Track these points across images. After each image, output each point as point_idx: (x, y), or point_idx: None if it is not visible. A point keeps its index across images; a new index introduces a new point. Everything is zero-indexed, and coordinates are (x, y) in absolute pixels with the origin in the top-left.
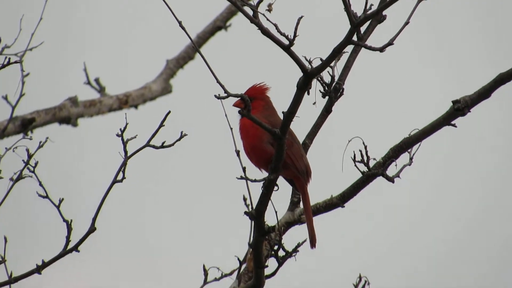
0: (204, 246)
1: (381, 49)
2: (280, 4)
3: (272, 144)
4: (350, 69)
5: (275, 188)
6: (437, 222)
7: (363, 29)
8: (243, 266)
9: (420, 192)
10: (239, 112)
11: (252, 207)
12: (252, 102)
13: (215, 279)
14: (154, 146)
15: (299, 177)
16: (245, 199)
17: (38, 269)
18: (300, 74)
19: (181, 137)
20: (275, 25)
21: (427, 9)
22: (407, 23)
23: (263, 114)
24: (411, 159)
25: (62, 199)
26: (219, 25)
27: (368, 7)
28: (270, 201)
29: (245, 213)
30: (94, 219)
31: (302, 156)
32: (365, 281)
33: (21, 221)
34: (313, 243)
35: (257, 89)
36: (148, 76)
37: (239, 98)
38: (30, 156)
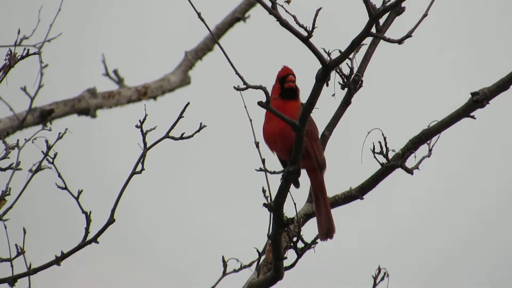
0: (223, 237)
1: (400, 41)
2: None
3: None
4: (369, 61)
5: (296, 182)
6: (456, 214)
7: (382, 21)
8: (262, 257)
9: (439, 184)
10: (258, 103)
11: (271, 199)
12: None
13: (234, 271)
14: (173, 138)
15: (316, 170)
16: (264, 191)
17: (57, 261)
18: (319, 66)
19: (200, 128)
20: (294, 17)
21: (445, 1)
22: (425, 15)
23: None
24: (430, 150)
25: (81, 190)
26: (238, 16)
27: None
28: (289, 193)
29: (264, 205)
30: (113, 211)
31: (321, 149)
32: (384, 273)
33: (40, 212)
34: (331, 234)
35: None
36: (167, 67)
37: (259, 88)
38: (49, 148)
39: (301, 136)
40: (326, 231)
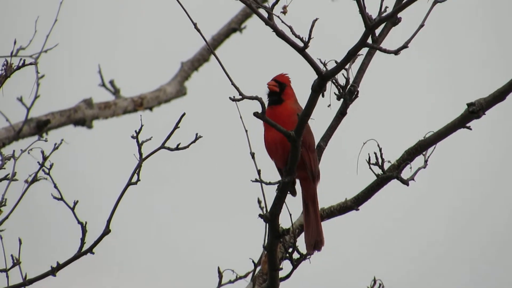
0: (218, 248)
1: (396, 52)
2: (295, 7)
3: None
4: (365, 72)
5: (293, 191)
6: (452, 226)
7: (378, 31)
8: (258, 268)
9: (434, 195)
10: (254, 114)
11: (266, 210)
12: (286, 89)
13: (230, 282)
14: (169, 148)
15: (309, 180)
16: (259, 202)
17: (53, 271)
18: (314, 76)
19: (196, 139)
20: (290, 27)
21: (442, 11)
22: (422, 25)
23: (296, 105)
24: (426, 161)
25: (77, 201)
26: (234, 27)
27: (383, 10)
28: (284, 203)
29: (260, 215)
30: (108, 221)
31: (317, 161)
32: (380, 284)
33: (36, 223)
34: (319, 247)
35: (287, 78)
36: (163, 78)
37: (254, 98)
38: (45, 158)
39: (296, 146)
40: (315, 243)
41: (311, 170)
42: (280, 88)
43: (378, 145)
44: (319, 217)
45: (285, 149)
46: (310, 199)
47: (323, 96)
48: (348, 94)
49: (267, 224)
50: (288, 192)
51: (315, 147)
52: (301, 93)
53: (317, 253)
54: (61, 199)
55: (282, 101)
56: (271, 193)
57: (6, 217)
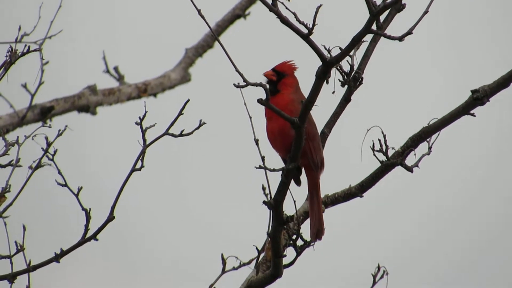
0: (222, 235)
1: (401, 38)
2: None
3: None
4: (369, 58)
5: (297, 180)
6: (455, 212)
7: (382, 18)
8: (262, 255)
9: (438, 181)
10: (258, 101)
11: (270, 197)
12: (285, 78)
13: (233, 268)
14: (173, 135)
15: (311, 168)
16: (263, 189)
17: (57, 258)
18: (319, 63)
19: (200, 125)
20: (294, 14)
21: None
22: (426, 12)
23: (296, 95)
24: (430, 148)
25: (81, 187)
26: (238, 13)
27: None
28: (288, 190)
29: (264, 202)
30: (112, 208)
31: (320, 149)
32: (384, 271)
33: (40, 209)
34: (320, 236)
35: (290, 66)
36: (167, 64)
37: (259, 85)
38: (49, 144)
39: (301, 133)
40: (316, 231)
41: (312, 158)
42: (277, 78)
43: (382, 132)
44: (321, 205)
45: (284, 138)
46: (312, 187)
47: (327, 82)
48: (353, 81)
49: (271, 211)
50: (293, 181)
51: (318, 135)
52: (305, 80)
53: (318, 241)
54: (65, 185)
55: (277, 92)
56: (275, 180)
57: (10, 204)
